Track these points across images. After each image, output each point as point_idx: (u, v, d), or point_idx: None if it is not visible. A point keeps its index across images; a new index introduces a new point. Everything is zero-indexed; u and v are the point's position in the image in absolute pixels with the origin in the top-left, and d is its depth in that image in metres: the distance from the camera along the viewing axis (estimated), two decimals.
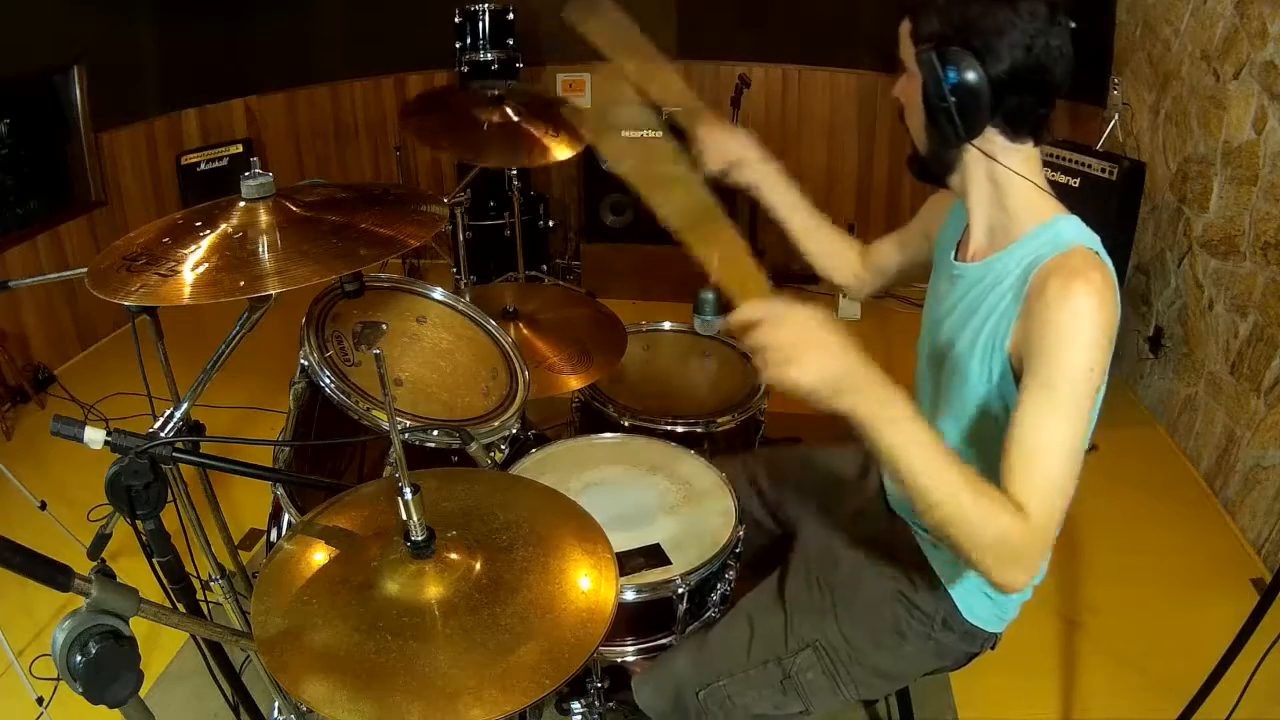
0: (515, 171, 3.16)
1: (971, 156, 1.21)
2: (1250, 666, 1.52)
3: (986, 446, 1.26)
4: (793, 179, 1.55)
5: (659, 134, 1.27)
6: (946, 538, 1.05)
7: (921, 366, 1.43)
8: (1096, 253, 1.13)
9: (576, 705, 1.56)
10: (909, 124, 1.25)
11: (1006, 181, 1.20)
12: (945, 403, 1.30)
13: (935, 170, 1.27)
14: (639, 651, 1.49)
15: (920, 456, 1.02)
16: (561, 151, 2.26)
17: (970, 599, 1.35)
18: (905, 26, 1.19)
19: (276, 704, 1.68)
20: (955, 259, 1.31)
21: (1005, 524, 1.02)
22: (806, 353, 1.00)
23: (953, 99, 1.12)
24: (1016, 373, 1.17)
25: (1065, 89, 1.13)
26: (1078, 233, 1.17)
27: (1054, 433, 1.05)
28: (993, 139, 1.18)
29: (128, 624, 0.93)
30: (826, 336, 1.01)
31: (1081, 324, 1.06)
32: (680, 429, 1.96)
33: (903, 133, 1.28)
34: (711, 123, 1.52)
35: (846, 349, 1.01)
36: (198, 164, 3.96)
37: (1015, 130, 1.17)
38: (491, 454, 1.57)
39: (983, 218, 1.25)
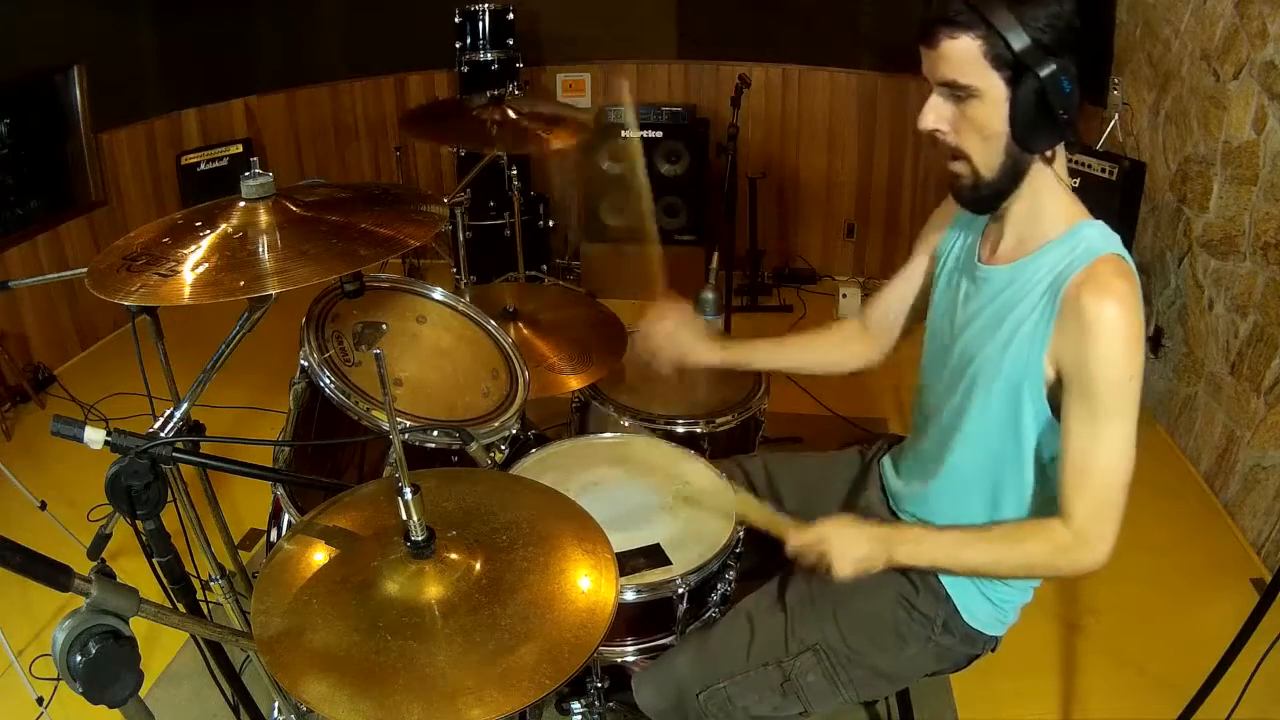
0: (515, 171, 3.16)
1: (1033, 167, 1.17)
2: (1250, 666, 1.51)
3: (1002, 446, 1.27)
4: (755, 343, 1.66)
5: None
6: (1015, 579, 1.33)
7: (935, 368, 1.40)
8: (1122, 258, 1.14)
9: (576, 705, 1.56)
10: (970, 151, 1.16)
11: (1046, 185, 1.19)
12: (964, 406, 1.30)
13: (1007, 192, 1.19)
14: (639, 651, 1.48)
15: (958, 555, 1.27)
16: (560, 141, 2.29)
17: (971, 602, 1.35)
18: (964, 46, 1.09)
19: (276, 704, 1.68)
20: (979, 260, 1.30)
21: (1050, 544, 1.19)
22: (842, 555, 1.27)
23: (1064, 111, 1.08)
24: (1050, 385, 1.18)
25: None
26: (1104, 239, 1.17)
27: (1099, 442, 1.14)
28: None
29: (128, 624, 0.93)
30: (847, 536, 1.29)
31: (1115, 337, 1.10)
32: (680, 429, 1.95)
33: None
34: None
35: (863, 534, 1.30)
36: (198, 164, 3.96)
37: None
38: (491, 454, 1.57)
39: (1019, 223, 1.23)
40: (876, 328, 1.59)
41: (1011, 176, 1.17)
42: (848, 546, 1.27)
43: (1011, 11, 1.06)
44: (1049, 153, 1.16)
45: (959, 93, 1.13)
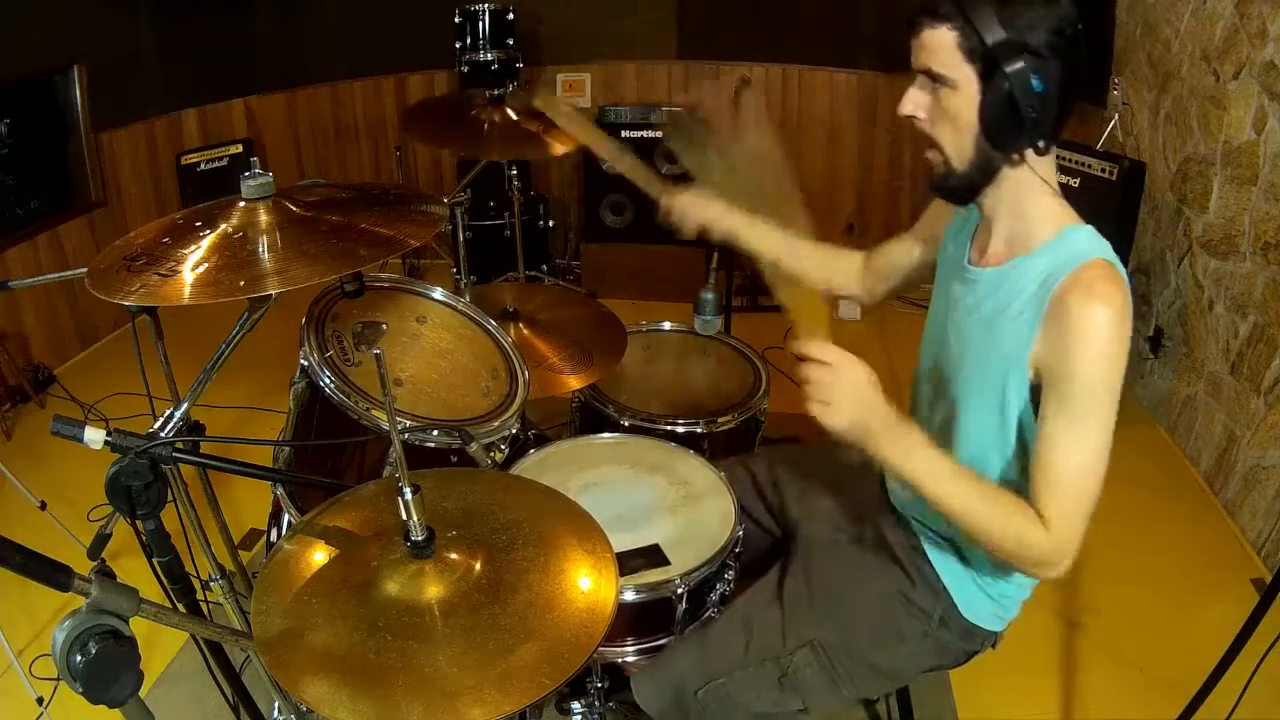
0: (515, 171, 3.16)
1: (1009, 165, 1.18)
2: (1250, 666, 1.52)
3: (994, 451, 1.26)
4: (759, 217, 1.61)
5: None
6: (976, 543, 1.20)
7: (926, 370, 1.41)
8: (1112, 264, 1.13)
9: (576, 705, 1.56)
10: (941, 140, 1.18)
11: (1030, 187, 1.19)
12: (955, 407, 1.29)
13: (978, 186, 1.21)
14: (639, 652, 1.49)
15: (941, 485, 1.15)
16: (560, 147, 2.27)
17: (970, 598, 1.36)
18: (942, 36, 1.11)
19: (276, 704, 1.68)
20: (969, 263, 1.30)
21: (1026, 532, 1.13)
22: (845, 401, 1.13)
23: (1033, 110, 1.09)
24: (1034, 387, 1.18)
25: None
26: (1093, 244, 1.16)
27: (1073, 449, 1.12)
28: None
29: (128, 624, 0.93)
30: (866, 390, 1.13)
31: (1098, 342, 1.09)
32: (680, 429, 1.95)
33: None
34: (673, 192, 1.67)
35: (879, 403, 1.14)
36: (198, 164, 3.96)
37: (1060, 130, 1.14)
38: (491, 454, 1.57)
39: (1004, 224, 1.23)
40: (874, 267, 1.63)
41: (982, 171, 1.18)
42: (851, 402, 1.12)
43: (993, 7, 1.08)
44: (1016, 156, 1.16)
45: (935, 82, 1.15)
